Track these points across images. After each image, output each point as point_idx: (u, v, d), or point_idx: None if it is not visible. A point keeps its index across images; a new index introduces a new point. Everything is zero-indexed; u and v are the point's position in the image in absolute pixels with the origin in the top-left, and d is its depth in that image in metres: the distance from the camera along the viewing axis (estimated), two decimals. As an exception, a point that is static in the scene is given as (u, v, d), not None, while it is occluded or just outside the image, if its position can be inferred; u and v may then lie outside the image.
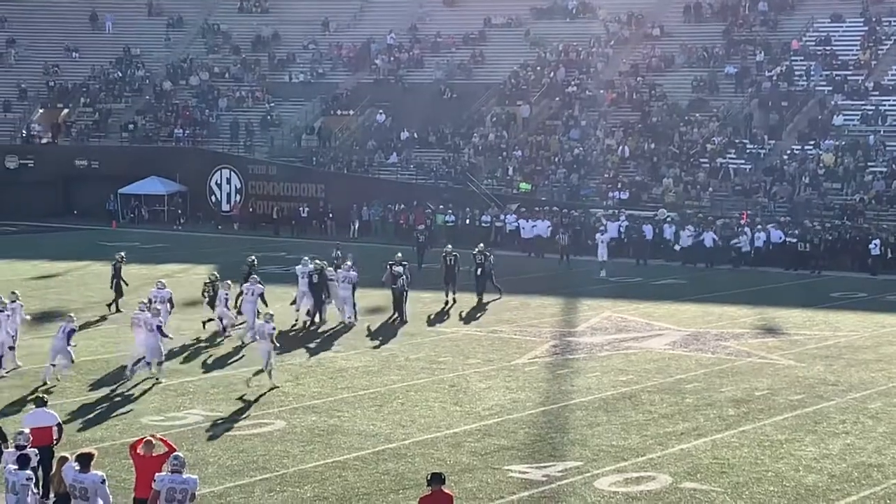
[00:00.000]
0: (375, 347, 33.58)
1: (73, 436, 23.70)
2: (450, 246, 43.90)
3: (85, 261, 53.00)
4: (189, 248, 53.35)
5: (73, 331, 29.30)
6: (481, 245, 44.67)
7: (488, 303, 41.47)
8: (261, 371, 29.11)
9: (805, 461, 22.51)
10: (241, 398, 27.46)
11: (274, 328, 29.23)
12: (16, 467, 17.01)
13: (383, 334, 35.62)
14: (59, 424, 20.37)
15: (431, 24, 79.73)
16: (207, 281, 37.81)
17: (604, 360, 31.83)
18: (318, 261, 38.08)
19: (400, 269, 38.43)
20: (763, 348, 33.60)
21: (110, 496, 16.80)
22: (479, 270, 42.47)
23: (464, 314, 39.55)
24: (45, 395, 22.12)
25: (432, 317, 39.01)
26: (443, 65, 75.32)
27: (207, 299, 36.86)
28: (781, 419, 25.63)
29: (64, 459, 17.54)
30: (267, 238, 61.39)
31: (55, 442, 20.12)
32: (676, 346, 34.00)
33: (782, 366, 31.20)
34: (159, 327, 29.79)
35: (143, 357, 29.56)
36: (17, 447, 17.88)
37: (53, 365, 28.95)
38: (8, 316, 30.42)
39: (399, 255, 40.23)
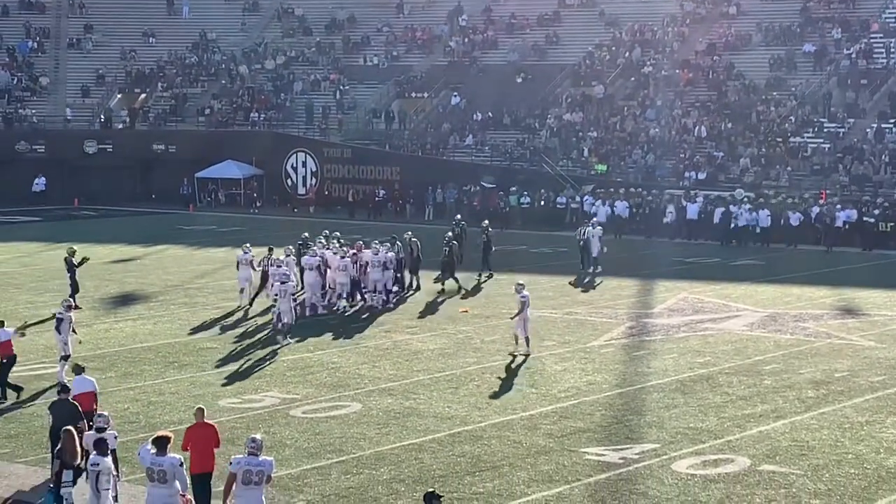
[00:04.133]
0: (451, 330, 33.55)
1: (151, 418, 23.97)
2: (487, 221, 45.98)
3: (163, 244, 53.54)
4: (265, 232, 53.61)
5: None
6: (486, 221, 45.56)
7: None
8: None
9: (886, 443, 22.23)
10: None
11: (526, 295, 30.15)
12: (94, 452, 17.05)
13: (459, 316, 35.61)
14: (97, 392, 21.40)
15: (505, 5, 79.52)
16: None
17: (681, 342, 31.61)
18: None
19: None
20: (843, 329, 33.22)
21: (187, 479, 16.93)
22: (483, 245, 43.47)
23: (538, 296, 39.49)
24: (82, 364, 22.75)
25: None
26: (517, 46, 75.11)
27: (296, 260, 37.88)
28: (862, 401, 25.32)
29: (74, 431, 17.91)
30: (342, 221, 61.54)
31: (94, 409, 20.50)
32: (754, 327, 33.69)
33: (862, 347, 30.83)
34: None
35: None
36: (98, 430, 18.05)
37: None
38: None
39: (449, 233, 41.87)
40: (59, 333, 27.12)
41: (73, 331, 27.51)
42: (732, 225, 52.90)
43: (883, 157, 56.81)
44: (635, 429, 23.36)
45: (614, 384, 27.07)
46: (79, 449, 17.88)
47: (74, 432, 18.05)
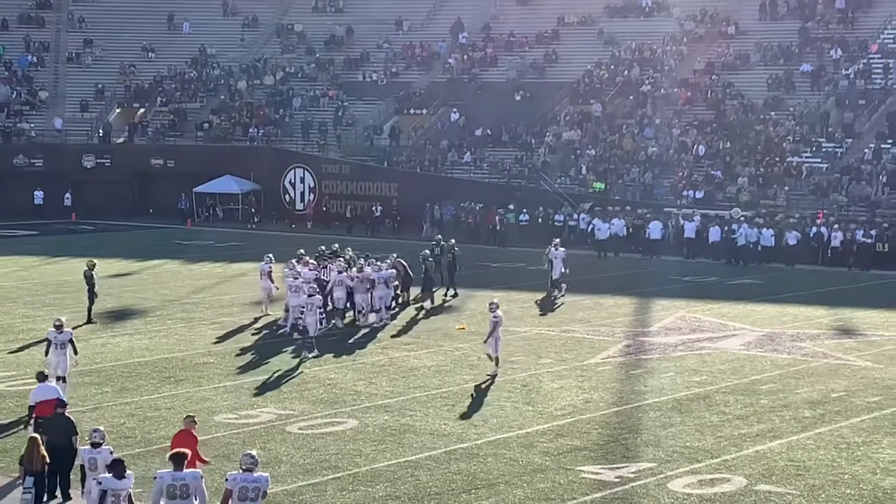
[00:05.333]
0: (447, 347, 33.52)
1: (147, 434, 23.92)
2: (453, 240, 44.96)
3: (160, 259, 53.51)
4: (263, 247, 53.56)
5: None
6: (453, 240, 44.90)
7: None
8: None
9: (883, 464, 22.21)
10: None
11: (499, 315, 29.99)
12: (110, 474, 16.68)
13: (455, 333, 35.57)
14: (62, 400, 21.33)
15: (505, 22, 79.74)
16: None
17: (677, 361, 31.60)
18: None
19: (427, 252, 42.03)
20: (840, 349, 33.21)
21: (206, 493, 16.72)
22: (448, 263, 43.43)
23: (537, 314, 39.45)
24: (45, 370, 23.54)
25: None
26: (516, 64, 75.22)
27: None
28: (858, 421, 25.31)
29: (38, 438, 17.93)
30: (340, 237, 61.42)
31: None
32: (751, 346, 33.67)
33: (859, 367, 30.82)
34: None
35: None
36: (93, 444, 17.99)
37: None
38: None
39: (426, 251, 42.20)
40: (49, 355, 26.74)
41: (74, 350, 27.03)
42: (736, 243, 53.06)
43: (881, 177, 56.86)
44: (632, 447, 23.33)
45: (611, 402, 27.04)
46: (40, 456, 17.91)
47: (39, 439, 18.15)
